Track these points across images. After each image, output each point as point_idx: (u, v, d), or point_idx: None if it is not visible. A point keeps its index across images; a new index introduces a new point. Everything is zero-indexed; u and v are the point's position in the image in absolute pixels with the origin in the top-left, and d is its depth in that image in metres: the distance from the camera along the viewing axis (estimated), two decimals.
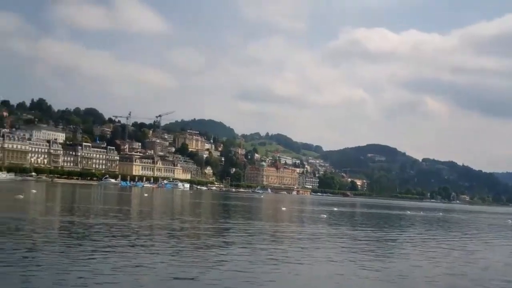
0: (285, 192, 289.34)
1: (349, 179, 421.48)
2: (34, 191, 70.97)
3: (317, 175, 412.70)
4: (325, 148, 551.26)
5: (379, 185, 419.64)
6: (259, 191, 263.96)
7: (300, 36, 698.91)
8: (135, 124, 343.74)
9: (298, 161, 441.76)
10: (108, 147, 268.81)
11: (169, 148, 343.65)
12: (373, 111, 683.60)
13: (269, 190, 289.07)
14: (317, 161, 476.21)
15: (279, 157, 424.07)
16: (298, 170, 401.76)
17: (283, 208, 63.63)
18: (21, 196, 52.19)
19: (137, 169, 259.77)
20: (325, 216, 50.81)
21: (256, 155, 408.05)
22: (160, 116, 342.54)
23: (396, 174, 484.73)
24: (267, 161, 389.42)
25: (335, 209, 76.84)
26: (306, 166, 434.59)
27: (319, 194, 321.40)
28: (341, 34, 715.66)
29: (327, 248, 22.80)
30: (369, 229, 38.58)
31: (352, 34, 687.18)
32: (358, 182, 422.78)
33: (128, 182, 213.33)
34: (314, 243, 24.73)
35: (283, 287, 14.53)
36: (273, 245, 22.88)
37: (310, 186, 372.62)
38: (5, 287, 12.07)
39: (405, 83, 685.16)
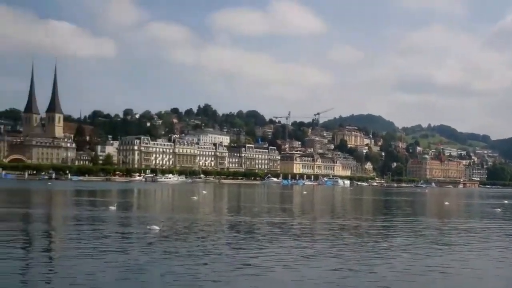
0: (451, 186, 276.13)
1: None
2: (204, 192, 75.60)
3: (485, 166, 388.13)
4: (493, 138, 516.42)
5: None
6: (422, 185, 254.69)
7: (461, 21, 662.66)
8: (294, 124, 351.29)
9: (463, 153, 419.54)
10: (270, 147, 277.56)
11: (328, 145, 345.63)
12: None
13: (433, 184, 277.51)
14: (485, 152, 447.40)
15: (442, 149, 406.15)
16: (464, 162, 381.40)
17: (446, 203, 60.91)
18: (195, 198, 56.37)
19: (297, 168, 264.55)
20: (499, 210, 47.65)
21: (418, 148, 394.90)
22: (318, 114, 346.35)
23: None
24: (430, 153, 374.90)
25: (506, 202, 71.71)
26: (472, 157, 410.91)
27: (488, 186, 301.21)
28: (509, 14, 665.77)
29: (501, 247, 21.51)
30: None
31: None
32: None
33: (289, 180, 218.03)
34: (486, 241, 23.48)
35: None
36: (438, 243, 22.15)
37: (478, 178, 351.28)
38: (183, 280, 13.34)
39: None
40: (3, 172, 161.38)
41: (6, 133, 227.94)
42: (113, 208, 35.79)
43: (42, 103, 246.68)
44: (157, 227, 23.30)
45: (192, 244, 19.57)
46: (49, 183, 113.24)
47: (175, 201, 56.15)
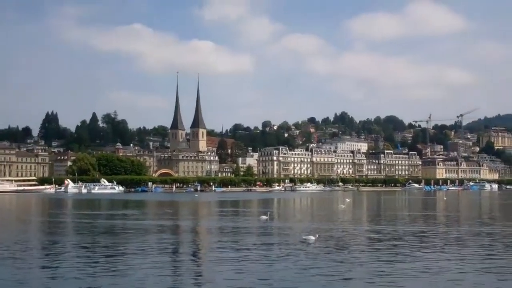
0: None
1: None
2: (348, 200, 76.63)
3: None
4: None
5: None
6: None
7: None
8: (435, 127, 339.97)
9: None
10: (410, 152, 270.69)
11: (472, 148, 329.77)
12: None
13: None
14: None
15: None
16: None
17: None
18: (343, 206, 57.59)
19: (440, 172, 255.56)
20: None
21: None
22: (461, 115, 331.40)
23: None
24: None
25: None
26: None
27: None
28: None
29: None
30: None
31: None
32: None
33: (431, 186, 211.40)
34: None
35: None
36: None
37: None
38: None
39: None
40: (153, 186, 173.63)
41: (155, 149, 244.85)
42: (265, 217, 37.49)
43: (186, 119, 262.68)
44: (312, 237, 24.19)
45: (354, 255, 20.34)
46: (195, 195, 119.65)
47: (322, 210, 56.41)
